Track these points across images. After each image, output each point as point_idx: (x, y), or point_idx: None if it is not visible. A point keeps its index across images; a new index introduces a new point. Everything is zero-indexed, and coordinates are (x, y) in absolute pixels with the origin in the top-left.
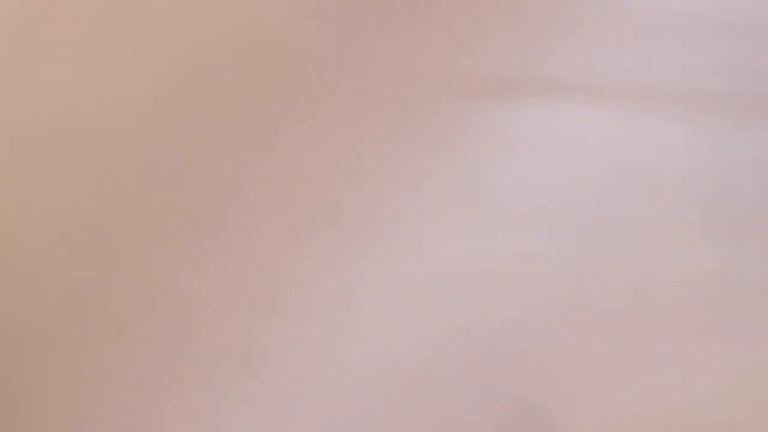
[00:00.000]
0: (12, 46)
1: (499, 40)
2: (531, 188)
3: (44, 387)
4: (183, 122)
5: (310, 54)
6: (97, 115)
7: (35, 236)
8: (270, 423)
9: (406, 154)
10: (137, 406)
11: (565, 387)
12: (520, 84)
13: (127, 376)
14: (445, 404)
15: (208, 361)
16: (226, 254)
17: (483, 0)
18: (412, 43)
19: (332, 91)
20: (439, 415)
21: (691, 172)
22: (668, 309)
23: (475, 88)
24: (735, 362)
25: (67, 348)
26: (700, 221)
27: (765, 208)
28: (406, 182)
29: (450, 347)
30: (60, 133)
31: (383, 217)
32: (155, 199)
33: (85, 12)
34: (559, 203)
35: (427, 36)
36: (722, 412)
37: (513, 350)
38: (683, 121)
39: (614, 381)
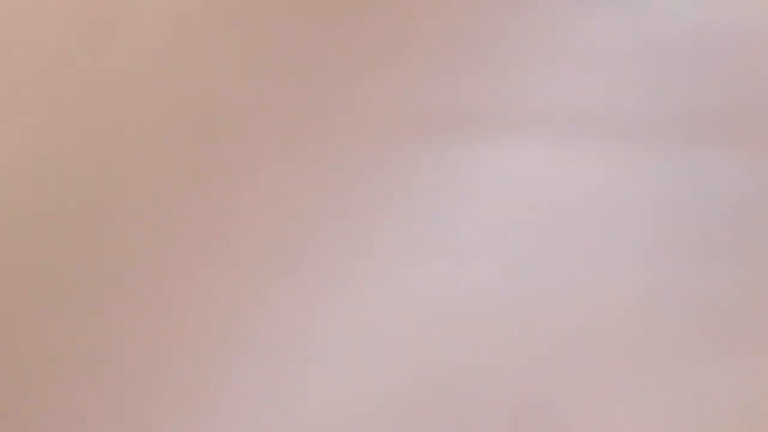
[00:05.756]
0: None
1: (451, 77)
2: (487, 224)
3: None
4: (134, 166)
5: (265, 92)
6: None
7: None
8: None
9: (360, 192)
10: None
11: (531, 418)
12: (475, 120)
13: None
14: None
15: (159, 404)
16: (179, 297)
17: (436, 39)
18: (367, 83)
19: (287, 130)
20: None
21: (639, 201)
22: (620, 336)
23: (430, 125)
24: (697, 386)
25: (25, 382)
26: (649, 248)
27: (711, 233)
28: (362, 221)
29: (411, 386)
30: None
31: (341, 256)
32: (109, 239)
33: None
34: (516, 235)
35: (382, 75)
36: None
37: (474, 385)
38: (631, 151)
39: (579, 411)
